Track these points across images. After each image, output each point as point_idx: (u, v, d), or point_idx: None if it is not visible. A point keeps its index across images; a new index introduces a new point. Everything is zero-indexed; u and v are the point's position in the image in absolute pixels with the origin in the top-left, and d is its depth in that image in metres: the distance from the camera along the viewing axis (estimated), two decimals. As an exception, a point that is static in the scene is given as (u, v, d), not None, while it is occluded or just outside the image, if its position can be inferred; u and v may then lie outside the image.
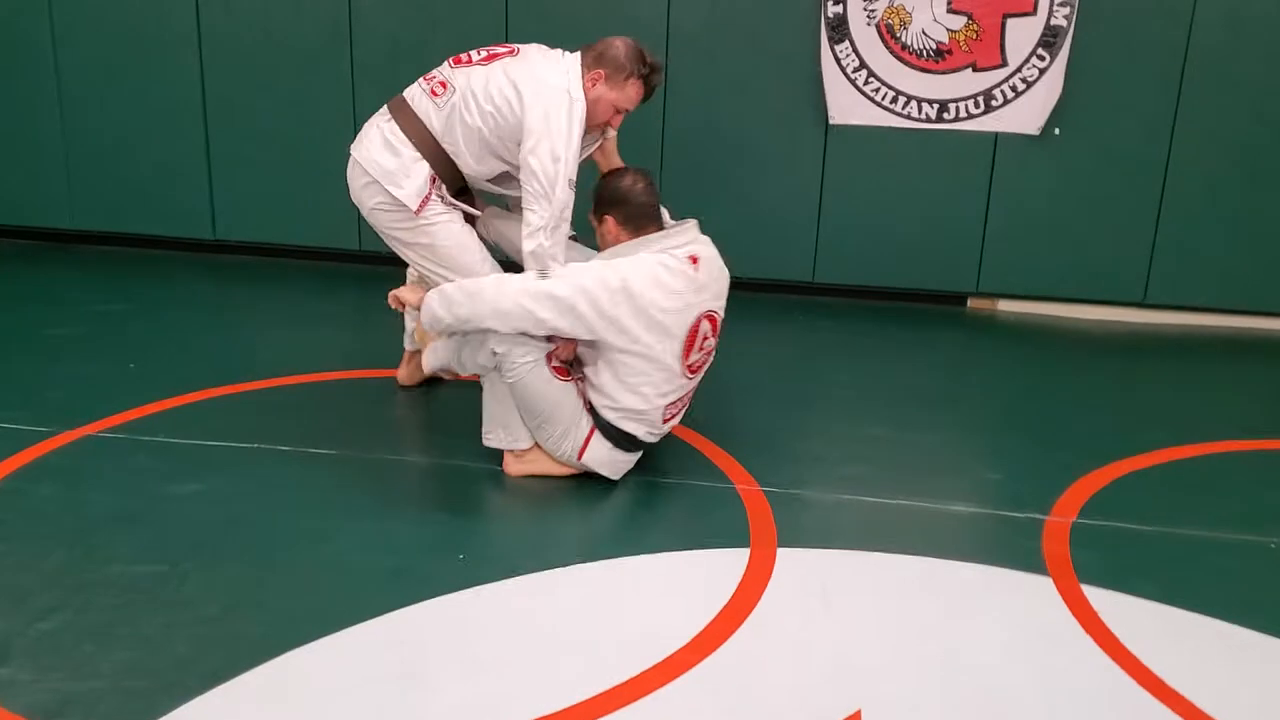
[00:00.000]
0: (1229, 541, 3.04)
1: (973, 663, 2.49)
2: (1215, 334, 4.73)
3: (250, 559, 2.82)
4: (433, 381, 3.81)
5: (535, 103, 3.13)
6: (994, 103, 4.51)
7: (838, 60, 4.52)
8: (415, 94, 3.33)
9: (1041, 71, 4.43)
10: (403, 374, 3.82)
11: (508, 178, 3.34)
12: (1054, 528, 3.07)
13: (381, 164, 3.26)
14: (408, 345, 3.78)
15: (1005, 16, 4.39)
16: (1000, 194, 4.67)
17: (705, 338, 3.12)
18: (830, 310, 4.85)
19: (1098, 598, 2.73)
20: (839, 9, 4.45)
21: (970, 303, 4.92)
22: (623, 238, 3.12)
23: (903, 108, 4.56)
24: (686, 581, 2.78)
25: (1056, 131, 4.53)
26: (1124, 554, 2.96)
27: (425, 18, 4.69)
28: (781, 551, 2.89)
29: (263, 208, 5.05)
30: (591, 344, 3.06)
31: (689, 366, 3.11)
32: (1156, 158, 4.54)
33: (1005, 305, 4.89)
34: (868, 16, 4.45)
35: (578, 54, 3.27)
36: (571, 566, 2.82)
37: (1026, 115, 4.51)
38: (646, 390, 3.07)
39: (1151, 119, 4.51)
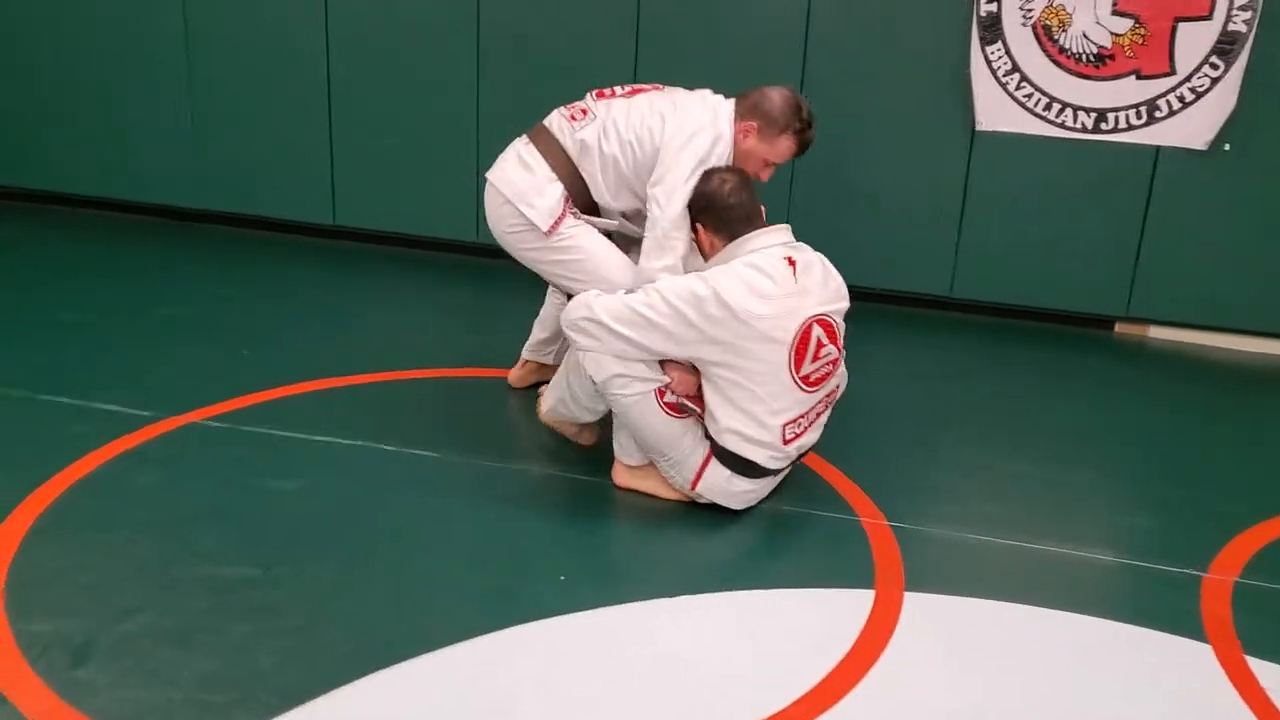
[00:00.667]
0: None
1: (1122, 742, 2.23)
2: (1396, 375, 4.29)
3: (342, 566, 2.69)
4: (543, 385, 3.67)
5: (677, 133, 3.04)
6: (1158, 113, 4.16)
7: (988, 62, 4.22)
8: (554, 119, 3.29)
9: (1214, 81, 4.07)
10: (514, 376, 3.68)
11: (640, 216, 3.20)
12: (1213, 586, 2.76)
13: (515, 182, 3.22)
14: (525, 355, 3.66)
15: (1177, 20, 4.03)
16: (1158, 212, 4.31)
17: (820, 345, 2.86)
18: (967, 328, 4.55)
19: (1268, 674, 2.42)
20: (993, 8, 4.15)
21: (1118, 327, 4.57)
22: (717, 245, 2.95)
23: (1057, 115, 4.24)
24: (804, 623, 2.56)
25: (1226, 147, 4.15)
26: (1299, 624, 2.64)
27: (554, 8, 4.55)
28: (909, 596, 2.65)
29: (383, 196, 4.98)
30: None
31: (804, 378, 2.86)
32: (1339, 179, 4.14)
33: (1156, 332, 4.53)
34: (1024, 16, 4.14)
35: (731, 101, 3.15)
36: (679, 598, 2.62)
37: (1194, 128, 4.15)
38: (755, 408, 2.83)
39: (1336, 137, 4.11)
